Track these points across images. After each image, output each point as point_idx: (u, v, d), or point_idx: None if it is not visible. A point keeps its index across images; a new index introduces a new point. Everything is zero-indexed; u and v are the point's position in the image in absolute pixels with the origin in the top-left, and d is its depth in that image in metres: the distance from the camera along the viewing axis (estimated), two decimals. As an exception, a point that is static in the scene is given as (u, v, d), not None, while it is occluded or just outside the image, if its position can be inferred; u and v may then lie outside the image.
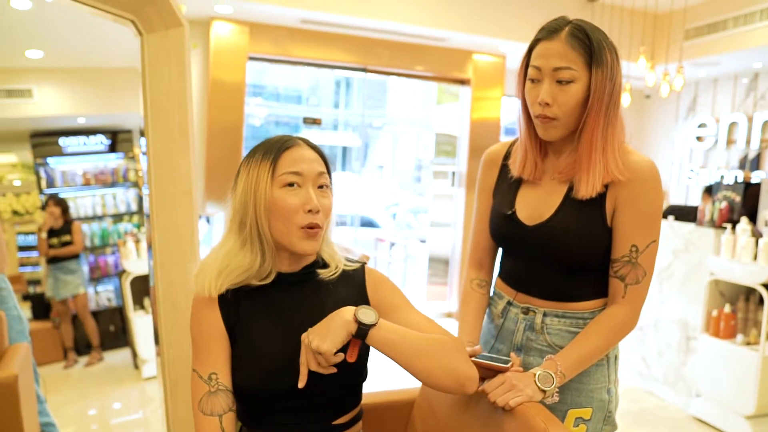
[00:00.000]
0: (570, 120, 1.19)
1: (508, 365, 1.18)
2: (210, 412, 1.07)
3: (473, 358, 1.20)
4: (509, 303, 1.35)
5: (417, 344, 1.06)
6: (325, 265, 1.18)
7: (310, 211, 1.07)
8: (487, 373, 1.20)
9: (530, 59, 1.22)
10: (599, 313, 1.25)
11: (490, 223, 1.37)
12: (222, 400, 1.08)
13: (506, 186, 1.35)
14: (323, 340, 1.00)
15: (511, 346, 1.34)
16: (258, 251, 1.09)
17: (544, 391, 1.14)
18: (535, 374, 1.15)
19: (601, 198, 1.21)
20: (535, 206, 1.28)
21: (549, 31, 1.19)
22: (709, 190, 3.84)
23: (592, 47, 1.15)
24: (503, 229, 1.32)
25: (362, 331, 1.03)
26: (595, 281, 1.26)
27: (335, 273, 1.17)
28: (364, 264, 1.23)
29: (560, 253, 1.24)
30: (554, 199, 1.25)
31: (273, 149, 1.10)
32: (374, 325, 1.03)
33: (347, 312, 1.03)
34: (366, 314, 1.03)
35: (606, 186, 1.20)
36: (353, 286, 1.19)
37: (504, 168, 1.37)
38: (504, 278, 1.39)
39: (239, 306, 1.13)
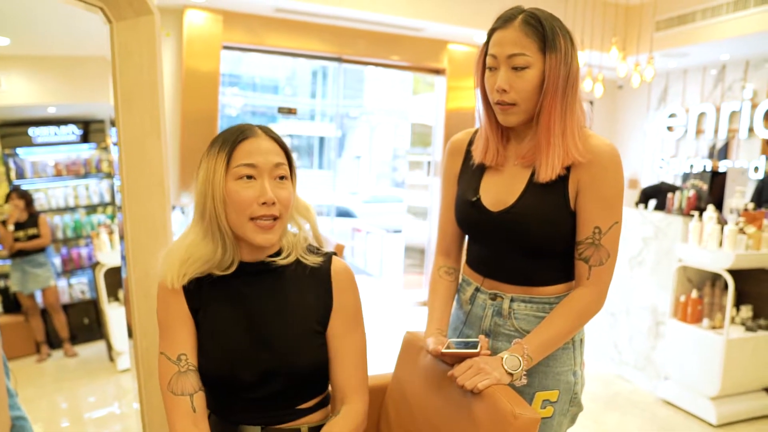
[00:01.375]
0: (528, 105, 1.23)
1: (477, 350, 1.20)
2: (180, 392, 1.08)
3: (443, 350, 1.23)
4: (477, 289, 1.38)
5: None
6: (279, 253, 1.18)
7: (264, 203, 1.07)
8: (457, 360, 1.23)
9: (487, 48, 1.25)
10: (565, 297, 1.28)
11: (456, 210, 1.39)
12: (192, 379, 1.10)
13: (470, 173, 1.37)
14: None
15: (479, 332, 1.36)
16: (219, 241, 1.10)
17: (511, 374, 1.17)
18: (502, 358, 1.18)
19: (563, 182, 1.24)
20: (499, 192, 1.30)
21: (503, 20, 1.23)
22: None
23: (545, 33, 1.19)
24: (468, 215, 1.34)
25: None
26: (561, 266, 1.29)
27: (289, 258, 1.17)
28: (330, 257, 1.23)
29: (525, 237, 1.26)
30: (518, 185, 1.28)
31: (229, 140, 1.09)
32: None
33: None
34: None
35: (568, 169, 1.23)
36: (318, 280, 1.19)
37: (468, 155, 1.40)
38: (471, 265, 1.41)
39: (202, 292, 1.14)
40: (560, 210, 1.24)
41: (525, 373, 1.19)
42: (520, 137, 1.31)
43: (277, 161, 1.10)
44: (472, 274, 1.41)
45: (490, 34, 1.25)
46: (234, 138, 1.09)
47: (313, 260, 1.19)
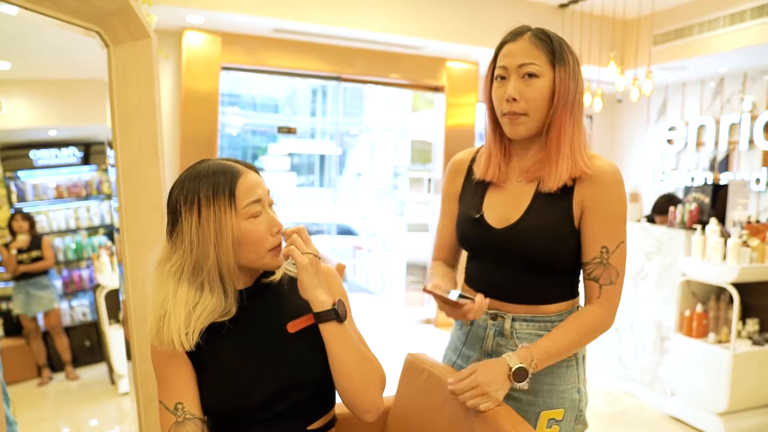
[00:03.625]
0: (538, 116, 1.23)
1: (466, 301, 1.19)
2: None
3: (429, 288, 1.23)
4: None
5: (358, 353, 1.12)
6: (270, 272, 1.19)
7: (277, 232, 1.10)
8: (441, 301, 1.23)
9: (497, 62, 1.27)
10: (567, 315, 1.27)
11: (458, 228, 1.39)
12: (190, 428, 1.08)
13: (472, 190, 1.37)
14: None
15: (480, 352, 1.35)
16: (219, 290, 1.08)
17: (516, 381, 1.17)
18: (510, 369, 1.16)
19: (568, 198, 1.24)
20: (502, 209, 1.30)
21: (513, 34, 1.26)
22: (656, 208, 3.91)
23: (554, 47, 1.22)
24: (471, 233, 1.34)
25: (325, 317, 1.09)
26: (563, 284, 1.29)
27: (279, 274, 1.19)
28: None
29: (529, 255, 1.26)
30: (522, 201, 1.28)
31: (220, 186, 1.05)
32: (342, 319, 1.10)
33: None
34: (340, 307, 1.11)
35: (572, 184, 1.24)
36: None
37: (470, 174, 1.39)
38: (470, 283, 1.40)
39: (201, 334, 1.10)
40: (564, 226, 1.24)
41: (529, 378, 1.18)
42: (523, 152, 1.31)
43: (267, 189, 1.12)
44: (471, 293, 1.39)
45: (499, 48, 1.27)
46: (227, 182, 1.06)
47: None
